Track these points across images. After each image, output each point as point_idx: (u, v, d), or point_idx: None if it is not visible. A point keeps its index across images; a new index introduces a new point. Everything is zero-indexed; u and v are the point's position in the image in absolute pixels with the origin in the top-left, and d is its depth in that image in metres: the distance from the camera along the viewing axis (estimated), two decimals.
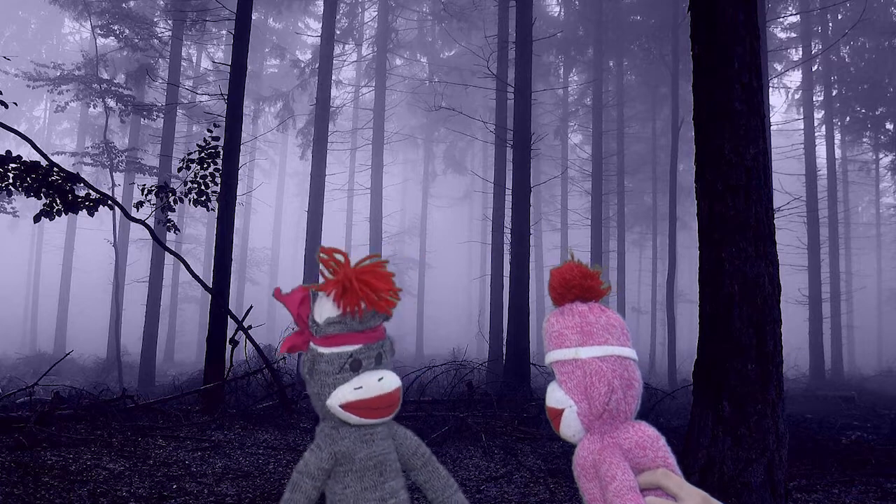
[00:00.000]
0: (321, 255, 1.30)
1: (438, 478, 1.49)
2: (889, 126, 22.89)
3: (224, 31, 21.86)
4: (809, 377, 17.75)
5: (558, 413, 1.10)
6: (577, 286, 1.13)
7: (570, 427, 1.09)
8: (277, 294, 1.36)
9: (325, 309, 1.31)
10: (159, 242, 8.83)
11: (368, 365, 1.34)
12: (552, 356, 1.11)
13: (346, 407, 1.32)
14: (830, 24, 21.85)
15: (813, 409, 11.35)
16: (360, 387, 1.31)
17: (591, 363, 1.07)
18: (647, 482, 1.03)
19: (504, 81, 14.00)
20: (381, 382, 1.33)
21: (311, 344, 1.33)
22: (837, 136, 25.48)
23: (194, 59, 26.55)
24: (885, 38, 21.48)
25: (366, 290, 1.27)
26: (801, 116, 21.47)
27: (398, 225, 35.98)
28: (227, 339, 8.39)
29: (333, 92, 20.27)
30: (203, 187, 8.60)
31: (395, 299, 1.30)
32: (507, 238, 12.62)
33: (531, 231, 11.73)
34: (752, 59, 3.59)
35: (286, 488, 1.39)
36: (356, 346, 1.32)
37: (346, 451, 1.37)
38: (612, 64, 23.23)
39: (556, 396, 1.11)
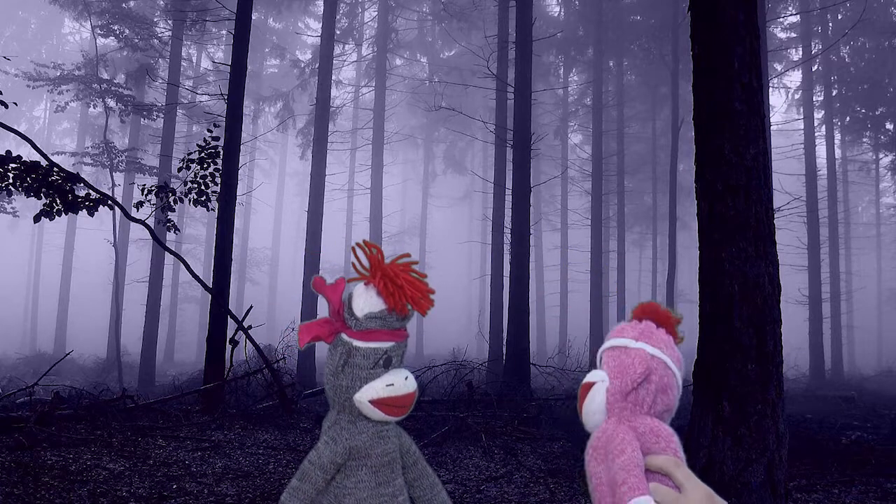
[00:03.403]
0: (359, 247, 1.29)
1: (426, 476, 1.51)
2: (889, 126, 22.87)
3: (224, 31, 21.85)
4: (809, 377, 17.74)
5: (589, 386, 1.16)
6: (656, 312, 1.19)
7: (594, 400, 1.14)
8: (320, 284, 1.34)
9: (366, 303, 1.30)
10: (159, 242, 8.83)
11: (396, 363, 1.35)
12: (606, 344, 1.18)
13: (375, 402, 1.32)
14: (830, 24, 21.84)
15: (813, 409, 11.34)
16: (392, 384, 1.33)
17: (639, 351, 1.13)
18: (657, 466, 1.05)
19: (504, 81, 14.00)
20: (408, 381, 1.35)
21: (345, 337, 1.32)
22: (837, 136, 25.47)
23: (194, 59, 26.54)
24: (885, 38, 21.47)
25: (411, 288, 1.27)
26: (801, 116, 21.45)
27: (398, 225, 35.96)
28: (227, 339, 8.40)
29: (333, 92, 20.26)
30: (203, 187, 8.60)
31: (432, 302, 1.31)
32: (507, 238, 12.61)
33: (531, 231, 11.72)
34: (752, 59, 3.59)
35: (295, 476, 1.39)
36: (390, 344, 1.33)
37: (363, 446, 1.37)
38: (612, 64, 23.22)
39: (594, 373, 1.18)
